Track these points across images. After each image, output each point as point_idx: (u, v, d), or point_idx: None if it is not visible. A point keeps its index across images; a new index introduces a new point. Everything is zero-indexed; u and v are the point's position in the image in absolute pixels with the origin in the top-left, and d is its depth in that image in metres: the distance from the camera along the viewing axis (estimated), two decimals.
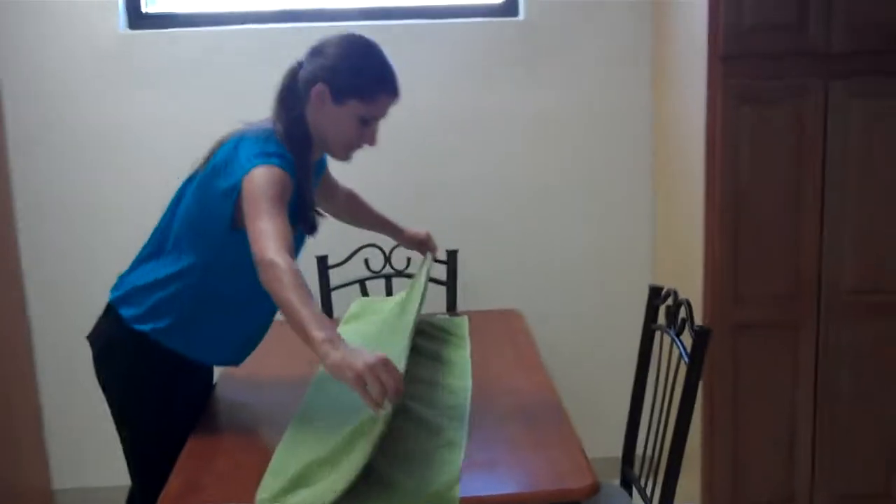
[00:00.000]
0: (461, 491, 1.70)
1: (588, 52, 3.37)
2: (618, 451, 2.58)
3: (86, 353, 2.45)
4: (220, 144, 2.11)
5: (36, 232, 3.38)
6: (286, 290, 1.77)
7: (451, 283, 3.14)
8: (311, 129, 2.11)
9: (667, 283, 2.43)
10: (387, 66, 2.11)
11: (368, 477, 1.71)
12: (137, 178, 3.34)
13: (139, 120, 3.31)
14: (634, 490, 2.47)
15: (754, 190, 2.85)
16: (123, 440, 2.24)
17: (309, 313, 1.74)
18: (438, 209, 3.43)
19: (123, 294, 2.17)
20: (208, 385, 2.38)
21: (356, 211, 2.70)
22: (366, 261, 3.12)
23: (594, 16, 3.35)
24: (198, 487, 1.78)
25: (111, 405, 2.23)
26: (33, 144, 3.32)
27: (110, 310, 2.20)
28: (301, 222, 2.09)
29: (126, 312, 2.14)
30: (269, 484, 1.73)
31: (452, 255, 3.15)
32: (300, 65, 2.12)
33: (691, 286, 2.98)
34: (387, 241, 3.13)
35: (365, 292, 3.14)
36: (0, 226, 3.25)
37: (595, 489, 1.72)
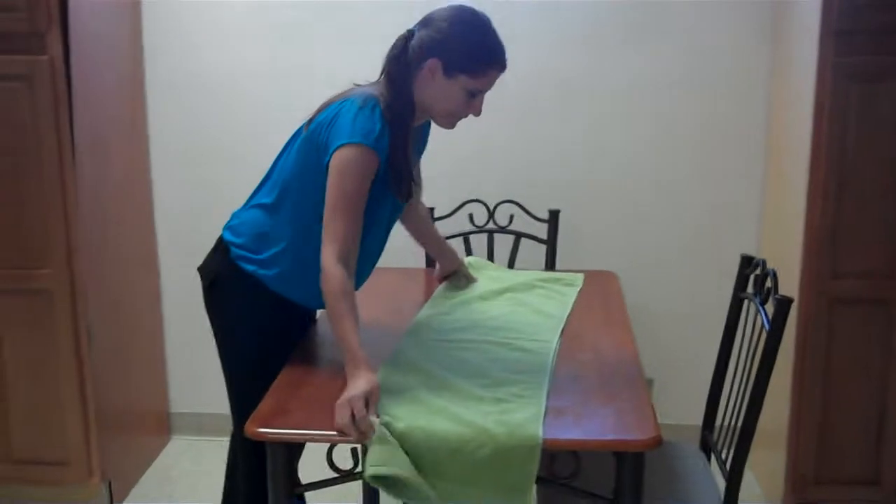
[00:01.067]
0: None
1: (709, 22, 3.37)
2: (701, 419, 2.62)
3: None
4: (327, 105, 2.18)
5: (167, 169, 3.61)
6: (339, 314, 2.00)
7: (551, 242, 3.22)
8: (416, 97, 2.17)
9: (770, 256, 2.45)
10: (496, 42, 2.16)
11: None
12: (261, 123, 3.52)
13: (269, 69, 3.50)
14: (713, 455, 2.52)
15: (859, 167, 2.84)
16: (225, 370, 2.42)
17: (350, 343, 1.98)
18: (544, 169, 3.50)
19: (237, 236, 2.32)
20: (308, 321, 2.52)
21: (417, 226, 2.77)
22: (470, 215, 3.22)
23: None
24: (285, 411, 1.93)
25: (216, 336, 2.40)
26: (169, 88, 3.54)
27: (222, 245, 2.35)
28: (395, 190, 2.19)
29: (236, 252, 2.30)
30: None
31: (554, 215, 3.22)
32: (411, 34, 2.17)
33: (792, 260, 2.98)
34: (491, 197, 3.24)
35: (468, 245, 3.24)
36: (136, 162, 3.50)
37: (657, 442, 1.78)
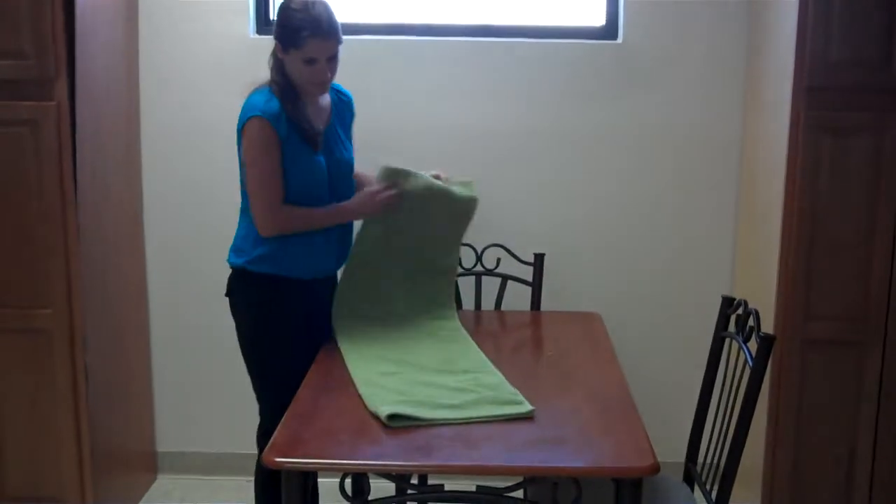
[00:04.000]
0: (528, 461, 1.95)
1: (684, 75, 3.54)
2: (683, 456, 2.72)
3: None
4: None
5: (159, 215, 3.68)
6: (312, 220, 2.68)
7: (536, 284, 3.34)
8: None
9: (744, 298, 2.58)
10: (309, 15, 2.56)
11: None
12: None
13: None
14: (696, 487, 2.63)
15: (830, 215, 2.99)
16: (259, 364, 2.76)
17: (326, 216, 2.70)
18: (530, 214, 3.64)
19: (231, 251, 2.80)
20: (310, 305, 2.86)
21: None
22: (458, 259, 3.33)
23: (691, 41, 3.51)
24: (301, 441, 2.01)
25: (245, 341, 2.75)
26: (163, 136, 3.62)
27: (231, 268, 2.80)
28: (308, 141, 2.65)
29: (232, 261, 2.77)
30: (371, 394, 2.16)
31: (539, 258, 3.34)
32: None
33: (766, 302, 3.11)
34: (479, 241, 3.35)
35: (456, 289, 3.32)
36: (128, 208, 3.56)
37: (655, 469, 1.88)
